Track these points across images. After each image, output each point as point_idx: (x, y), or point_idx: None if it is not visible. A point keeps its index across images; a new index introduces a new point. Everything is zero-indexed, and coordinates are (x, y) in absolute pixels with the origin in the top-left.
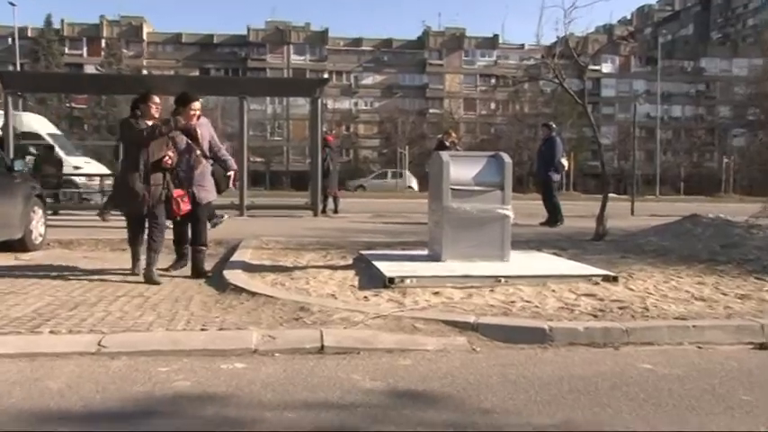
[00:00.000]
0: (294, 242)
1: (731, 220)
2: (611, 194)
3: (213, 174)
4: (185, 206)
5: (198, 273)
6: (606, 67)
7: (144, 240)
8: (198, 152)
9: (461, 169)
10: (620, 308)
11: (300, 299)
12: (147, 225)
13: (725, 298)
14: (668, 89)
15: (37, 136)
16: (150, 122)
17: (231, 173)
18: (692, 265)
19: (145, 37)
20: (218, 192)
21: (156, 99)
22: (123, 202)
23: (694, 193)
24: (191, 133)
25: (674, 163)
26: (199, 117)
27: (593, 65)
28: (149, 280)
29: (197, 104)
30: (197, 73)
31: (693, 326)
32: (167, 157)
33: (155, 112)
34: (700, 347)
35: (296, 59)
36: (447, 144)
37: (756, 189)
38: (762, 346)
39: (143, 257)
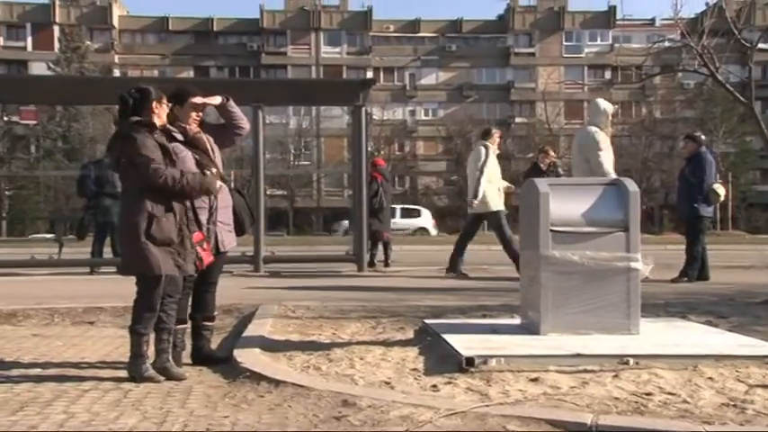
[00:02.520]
0: (331, 308)
1: None
2: None
3: (234, 206)
4: (208, 256)
5: (204, 358)
6: None
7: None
8: (214, 170)
9: (566, 202)
10: None
11: (343, 389)
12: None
13: None
14: None
15: None
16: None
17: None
18: None
19: (116, 23)
20: (242, 232)
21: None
22: (150, 261)
23: None
24: (198, 144)
25: None
26: (203, 121)
27: (764, 43)
28: (170, 374)
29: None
30: (191, 73)
31: None
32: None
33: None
34: None
35: (328, 52)
36: (543, 167)
37: None
38: None
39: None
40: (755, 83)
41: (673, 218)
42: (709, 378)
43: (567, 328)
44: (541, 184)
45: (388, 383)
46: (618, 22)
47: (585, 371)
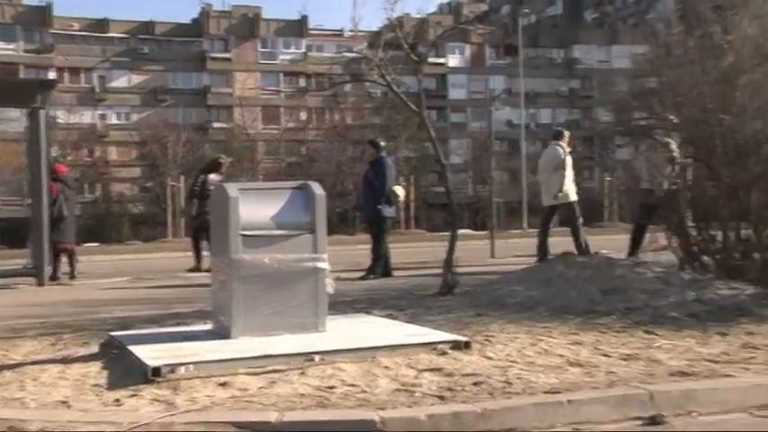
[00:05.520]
0: (2, 328)
1: (613, 258)
2: (464, 231)
3: None
4: None
5: None
6: (453, 60)
7: None
8: None
9: (256, 207)
10: (475, 384)
11: (10, 414)
12: None
13: (607, 360)
14: (534, 87)
15: None
16: None
17: None
18: (566, 320)
19: None
20: None
21: None
22: None
23: None
24: None
25: None
26: None
27: (437, 57)
28: None
29: None
30: None
31: (568, 400)
32: None
33: None
34: (577, 430)
35: (1, 48)
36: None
37: None
38: (652, 421)
39: None
40: (431, 93)
41: (363, 219)
42: (386, 367)
43: (258, 330)
44: (231, 189)
45: (64, 403)
46: (310, 32)
47: (274, 371)
